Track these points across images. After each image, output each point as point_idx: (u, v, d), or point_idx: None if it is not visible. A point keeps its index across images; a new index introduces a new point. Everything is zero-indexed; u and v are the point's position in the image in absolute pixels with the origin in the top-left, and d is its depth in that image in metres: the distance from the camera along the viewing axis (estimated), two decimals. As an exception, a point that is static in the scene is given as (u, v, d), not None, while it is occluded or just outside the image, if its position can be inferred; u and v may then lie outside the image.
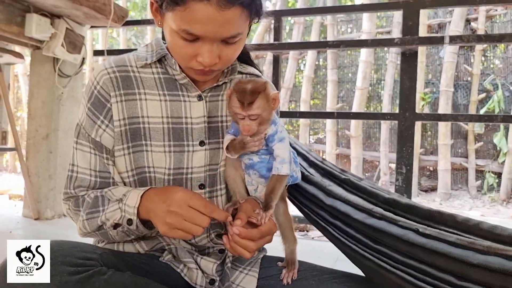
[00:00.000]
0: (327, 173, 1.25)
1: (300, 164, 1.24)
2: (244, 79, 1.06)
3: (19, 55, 2.79)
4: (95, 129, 1.00)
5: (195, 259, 1.03)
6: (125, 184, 1.03)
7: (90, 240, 1.08)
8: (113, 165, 1.01)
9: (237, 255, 0.93)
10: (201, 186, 1.04)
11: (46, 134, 2.94)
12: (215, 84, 1.05)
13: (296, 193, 1.21)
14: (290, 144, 1.47)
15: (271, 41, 2.97)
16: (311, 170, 1.28)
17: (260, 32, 5.95)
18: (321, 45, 2.91)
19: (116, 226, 0.96)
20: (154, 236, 1.05)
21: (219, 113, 1.06)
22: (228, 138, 0.99)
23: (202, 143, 1.03)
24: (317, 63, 6.02)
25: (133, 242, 1.05)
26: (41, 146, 2.94)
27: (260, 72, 1.17)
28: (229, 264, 1.06)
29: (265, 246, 1.14)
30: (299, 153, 1.33)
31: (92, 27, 3.08)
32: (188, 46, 0.90)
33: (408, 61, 2.39)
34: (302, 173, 1.18)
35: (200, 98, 1.03)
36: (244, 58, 1.14)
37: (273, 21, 2.72)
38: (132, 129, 1.00)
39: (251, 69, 1.14)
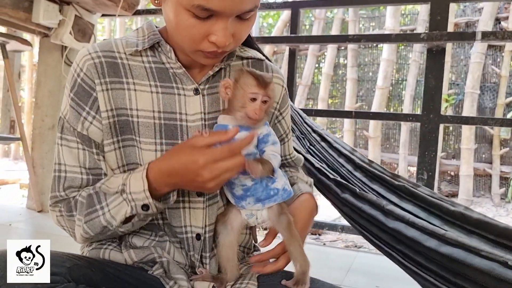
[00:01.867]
0: (376, 177, 1.14)
1: (344, 166, 1.12)
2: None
3: (26, 42, 2.72)
4: (81, 122, 0.88)
5: (188, 279, 0.90)
6: None
7: (74, 246, 0.96)
8: (104, 160, 0.90)
9: None
10: (199, 194, 0.91)
11: (52, 124, 2.86)
12: (212, 73, 0.92)
13: (352, 213, 1.08)
14: (331, 144, 1.35)
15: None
16: (358, 174, 1.15)
17: (279, 27, 5.81)
18: (341, 39, 2.74)
19: (127, 220, 0.85)
20: (145, 246, 0.93)
21: (220, 107, 0.93)
22: None
23: None
24: (336, 60, 5.84)
25: (122, 251, 0.93)
26: (46, 136, 2.87)
27: (264, 55, 1.04)
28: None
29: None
30: (342, 154, 1.21)
31: (103, 15, 2.99)
32: (199, 25, 0.78)
33: (435, 59, 2.21)
34: (354, 190, 1.05)
35: (196, 92, 0.90)
36: (246, 39, 1.00)
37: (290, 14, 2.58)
38: (121, 122, 0.88)
39: (252, 52, 1.01)
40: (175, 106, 0.90)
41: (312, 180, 1.05)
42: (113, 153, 0.89)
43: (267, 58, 1.04)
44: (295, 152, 1.10)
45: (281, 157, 1.03)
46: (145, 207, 0.82)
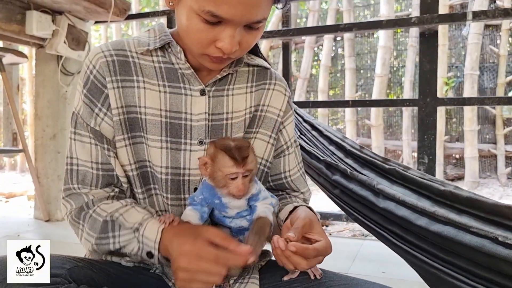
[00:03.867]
0: (367, 163, 1.14)
1: (334, 153, 1.12)
2: (219, 139, 0.93)
3: (22, 55, 2.74)
4: (94, 118, 0.90)
5: None
6: (128, 178, 0.93)
7: (80, 254, 0.98)
8: (114, 157, 0.92)
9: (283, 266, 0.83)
10: None
11: (53, 134, 2.88)
12: (219, 77, 0.94)
13: (342, 195, 1.08)
14: (322, 132, 1.36)
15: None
16: (349, 161, 1.15)
17: (274, 22, 5.80)
18: (332, 29, 2.73)
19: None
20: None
21: (224, 109, 0.96)
22: (184, 214, 0.88)
23: (201, 143, 0.93)
24: (334, 51, 5.82)
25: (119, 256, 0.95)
26: (48, 146, 2.89)
27: (269, 64, 1.06)
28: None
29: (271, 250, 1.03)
30: (332, 141, 1.21)
31: (96, 22, 3.01)
32: (208, 30, 0.80)
33: (428, 42, 2.22)
34: (344, 171, 1.05)
35: (203, 93, 0.93)
36: (253, 48, 1.02)
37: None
38: (130, 119, 0.91)
39: (259, 61, 1.03)
40: (181, 106, 0.92)
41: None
42: (124, 149, 0.91)
43: (270, 64, 1.06)
44: (298, 173, 1.06)
45: (277, 174, 1.04)
46: (150, 254, 0.84)
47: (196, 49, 0.86)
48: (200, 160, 0.86)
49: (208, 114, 0.93)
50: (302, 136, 1.35)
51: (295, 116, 1.45)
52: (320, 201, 4.19)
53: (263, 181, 1.01)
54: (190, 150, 0.92)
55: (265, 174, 1.01)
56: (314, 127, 1.36)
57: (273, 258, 1.05)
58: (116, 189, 0.94)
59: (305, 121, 1.41)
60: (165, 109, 0.91)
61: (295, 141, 1.07)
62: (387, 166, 1.08)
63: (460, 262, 0.84)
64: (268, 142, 1.00)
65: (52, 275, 0.75)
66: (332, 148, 1.18)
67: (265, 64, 1.03)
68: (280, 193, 1.05)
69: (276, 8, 0.88)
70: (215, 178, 0.83)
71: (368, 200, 1.00)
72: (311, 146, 1.27)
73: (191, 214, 0.87)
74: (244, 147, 0.83)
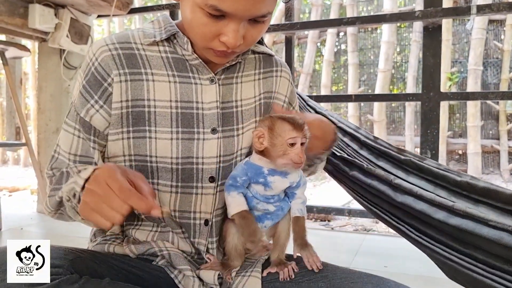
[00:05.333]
0: (382, 154, 1.13)
1: (349, 145, 1.12)
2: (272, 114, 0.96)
3: (25, 48, 2.73)
4: (86, 109, 0.89)
5: (193, 269, 0.92)
6: None
7: (79, 238, 0.98)
8: (98, 149, 0.91)
9: None
10: (211, 179, 0.93)
11: (56, 128, 2.89)
12: (228, 65, 0.94)
13: (362, 190, 1.07)
14: (335, 124, 1.36)
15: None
16: (364, 153, 1.15)
17: (277, 16, 5.79)
18: (336, 23, 2.72)
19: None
20: (147, 241, 0.95)
21: (233, 97, 0.96)
22: (236, 201, 0.88)
23: (214, 131, 0.93)
24: (337, 45, 5.80)
25: (123, 246, 0.95)
26: (51, 140, 2.90)
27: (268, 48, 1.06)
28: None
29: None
30: (347, 133, 1.21)
31: (99, 16, 3.00)
32: (212, 24, 0.80)
33: (432, 36, 2.20)
34: (361, 166, 1.05)
35: (212, 81, 0.93)
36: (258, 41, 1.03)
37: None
38: (135, 113, 0.90)
39: (264, 48, 1.04)
40: (192, 95, 0.91)
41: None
42: (120, 142, 0.91)
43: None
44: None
45: None
46: (75, 195, 0.79)
47: (200, 43, 0.86)
48: (255, 132, 0.87)
49: (219, 102, 0.93)
50: None
51: (307, 108, 1.44)
52: (322, 196, 4.19)
53: None
54: (204, 139, 0.92)
55: None
56: (326, 118, 1.34)
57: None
58: None
59: (318, 112, 1.40)
60: (175, 100, 0.90)
61: None
62: (402, 157, 1.07)
63: (478, 254, 0.85)
64: None
65: (54, 266, 0.74)
66: (346, 139, 1.17)
67: (269, 51, 1.04)
68: None
69: (282, 1, 0.88)
70: (274, 146, 0.84)
71: (387, 194, 1.00)
72: None
73: (242, 200, 0.88)
74: (300, 117, 0.86)
